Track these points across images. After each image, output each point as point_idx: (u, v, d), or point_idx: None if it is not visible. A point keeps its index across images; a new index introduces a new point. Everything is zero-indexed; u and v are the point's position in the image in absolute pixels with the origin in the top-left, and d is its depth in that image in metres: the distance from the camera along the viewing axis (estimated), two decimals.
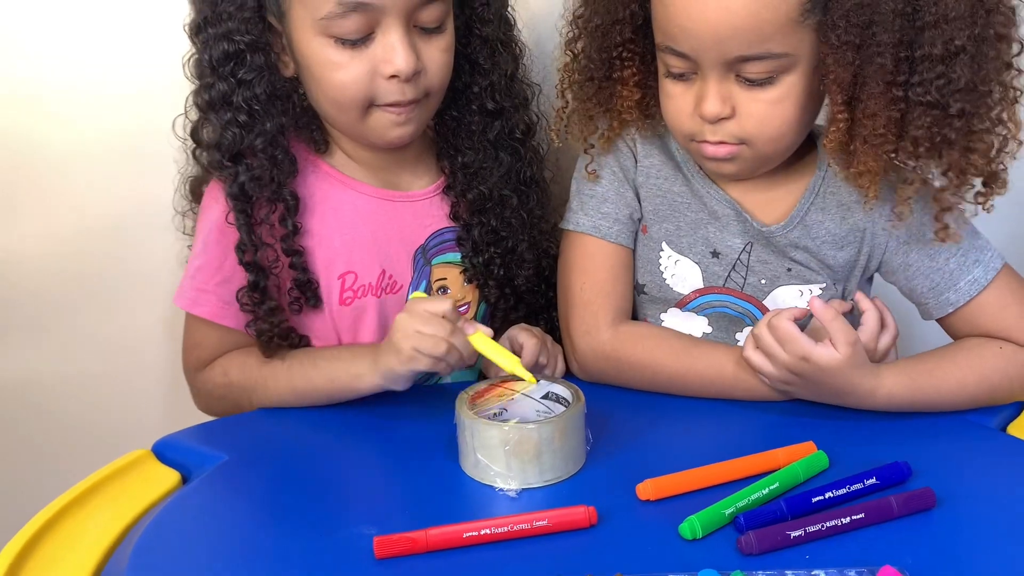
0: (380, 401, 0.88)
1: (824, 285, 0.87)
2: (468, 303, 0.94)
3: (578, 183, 0.93)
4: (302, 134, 0.88)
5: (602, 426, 0.77)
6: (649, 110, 0.87)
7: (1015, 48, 0.75)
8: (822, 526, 0.63)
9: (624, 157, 0.90)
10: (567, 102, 0.89)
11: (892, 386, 0.78)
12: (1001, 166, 0.77)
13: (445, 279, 0.93)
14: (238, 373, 0.88)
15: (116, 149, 0.94)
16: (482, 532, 0.64)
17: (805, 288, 0.87)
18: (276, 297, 0.86)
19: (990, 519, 0.65)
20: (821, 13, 0.73)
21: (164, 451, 0.79)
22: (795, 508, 0.65)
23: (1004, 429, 0.79)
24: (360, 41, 0.80)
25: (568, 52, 0.88)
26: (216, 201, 0.87)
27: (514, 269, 0.93)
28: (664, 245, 0.89)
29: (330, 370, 0.84)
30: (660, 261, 0.89)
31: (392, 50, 0.80)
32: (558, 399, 0.75)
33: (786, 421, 0.80)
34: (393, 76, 0.81)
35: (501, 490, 0.70)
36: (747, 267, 0.87)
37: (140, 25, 1.00)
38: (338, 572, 0.62)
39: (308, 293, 0.87)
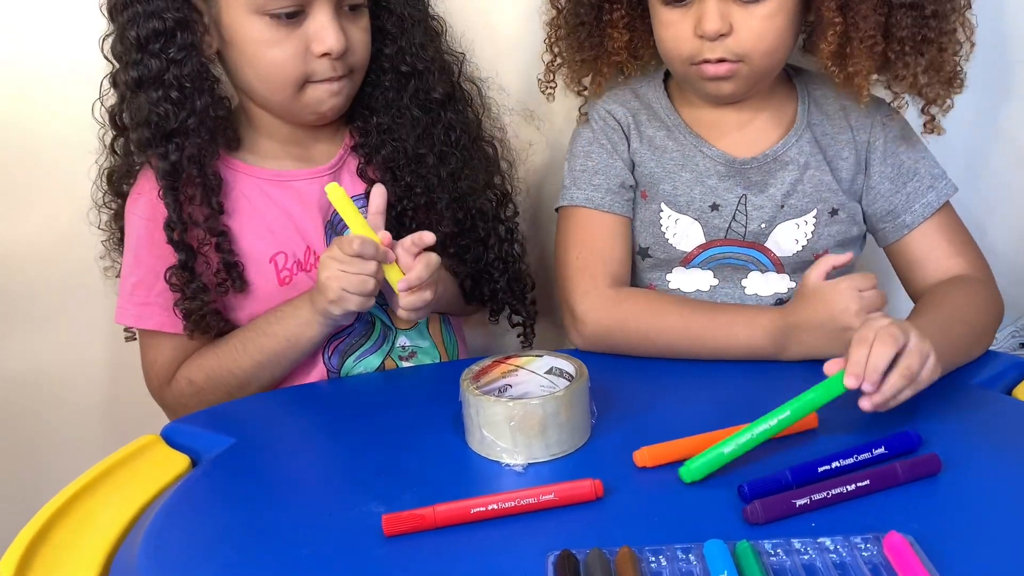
0: (386, 380, 0.89)
1: (815, 212, 0.91)
2: None
3: (570, 161, 0.96)
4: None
5: (606, 399, 0.78)
6: (637, 52, 0.94)
7: None
8: (827, 494, 0.63)
9: (612, 131, 0.94)
10: (555, 56, 0.96)
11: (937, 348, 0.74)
12: (959, 67, 0.87)
13: None
14: (201, 375, 0.89)
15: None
16: (489, 507, 0.64)
17: (800, 220, 0.91)
18: (203, 278, 0.87)
19: (996, 483, 0.65)
20: None
21: (173, 436, 0.80)
22: (801, 478, 0.65)
23: (1009, 393, 0.79)
24: (292, 17, 0.83)
25: (553, 7, 0.95)
26: (138, 214, 0.89)
27: (433, 224, 0.93)
28: (663, 206, 0.92)
29: (280, 330, 0.87)
30: (661, 222, 0.92)
31: (324, 29, 0.84)
32: (562, 374, 0.75)
33: (790, 392, 0.80)
34: (324, 54, 0.84)
35: (507, 465, 0.71)
36: (746, 215, 0.90)
37: None
38: (348, 551, 0.62)
39: (234, 274, 0.88)
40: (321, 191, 0.91)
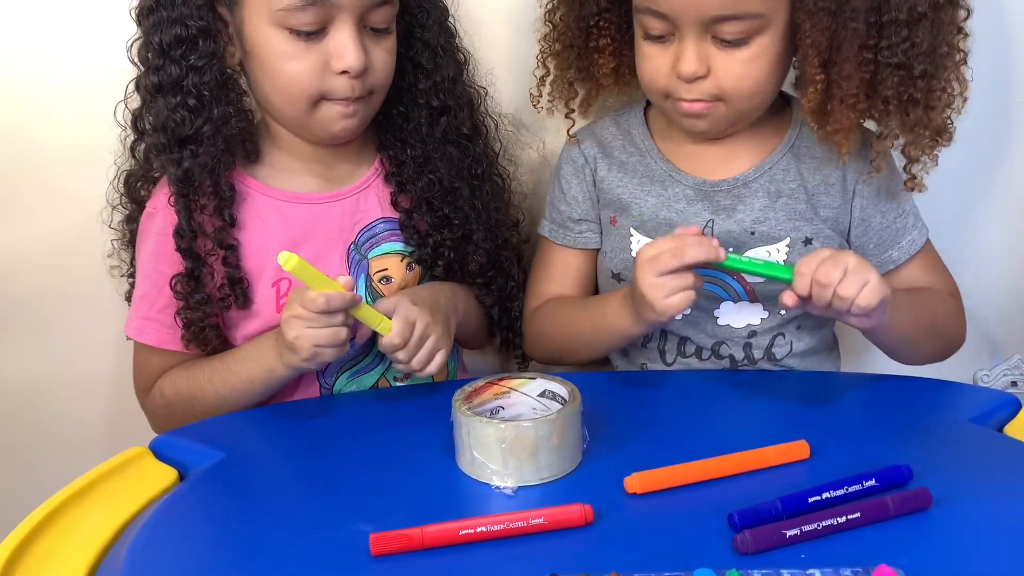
0: (377, 399, 0.88)
1: (788, 240, 0.89)
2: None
3: (550, 191, 0.99)
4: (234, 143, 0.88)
5: (599, 424, 0.77)
6: (625, 78, 0.94)
7: (962, 14, 0.83)
8: (818, 525, 0.63)
9: (578, 168, 0.96)
10: (548, 70, 0.96)
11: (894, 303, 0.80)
12: (950, 121, 0.85)
13: (386, 269, 0.94)
14: (171, 391, 0.90)
15: (114, 148, 0.95)
16: (478, 530, 0.64)
17: (772, 248, 0.89)
18: (207, 289, 0.87)
19: (986, 519, 0.65)
20: None
21: (161, 448, 0.79)
22: (791, 508, 0.65)
23: (1000, 430, 0.79)
24: (313, 35, 0.82)
25: (548, 23, 0.95)
26: (151, 229, 0.89)
27: (469, 253, 0.95)
28: (632, 231, 0.93)
29: (244, 372, 0.86)
30: (631, 247, 0.93)
31: (344, 47, 0.82)
32: (555, 397, 0.75)
33: (783, 421, 0.80)
34: (343, 72, 0.83)
35: (497, 488, 0.70)
36: (713, 237, 0.87)
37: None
38: (334, 569, 0.62)
39: (238, 291, 0.88)
40: (344, 213, 0.92)
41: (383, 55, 0.87)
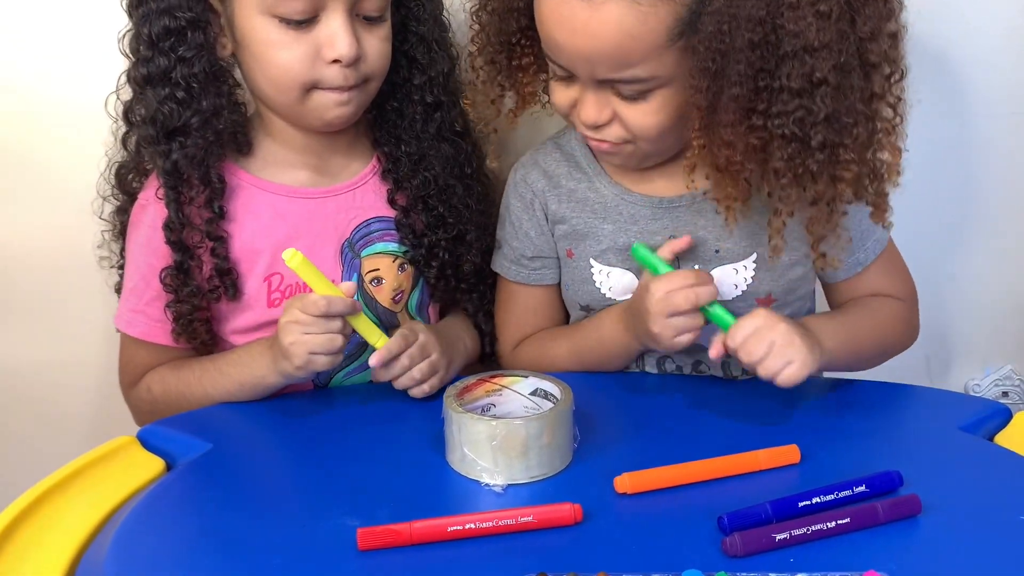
0: (368, 393, 0.88)
1: (755, 256, 0.85)
2: (403, 291, 0.94)
3: (499, 225, 0.96)
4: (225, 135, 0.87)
5: (590, 424, 0.77)
6: None
7: (896, 74, 0.73)
8: (807, 530, 0.63)
9: (526, 204, 0.92)
10: (478, 74, 0.90)
11: (831, 343, 0.80)
12: (884, 195, 0.76)
13: (378, 269, 0.93)
14: (159, 388, 0.89)
15: (105, 140, 0.95)
16: (466, 526, 0.63)
17: (739, 265, 0.86)
18: (197, 282, 0.86)
19: (975, 527, 0.65)
20: (690, 35, 0.71)
21: (149, 438, 0.79)
22: (781, 512, 0.65)
23: (991, 439, 0.79)
24: (304, 23, 0.81)
25: (474, 41, 0.89)
26: (142, 221, 0.88)
27: (462, 254, 0.94)
28: (592, 261, 0.89)
29: (235, 375, 0.85)
30: (594, 278, 0.90)
31: (335, 35, 0.81)
32: (547, 395, 0.75)
33: (774, 424, 0.80)
34: (335, 61, 0.82)
35: (487, 485, 0.70)
36: (678, 257, 0.86)
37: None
38: (320, 563, 0.61)
39: (227, 282, 0.87)
40: (339, 210, 0.91)
41: (377, 43, 0.85)
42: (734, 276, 0.86)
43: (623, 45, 0.72)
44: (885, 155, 0.75)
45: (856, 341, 0.86)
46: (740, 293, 0.86)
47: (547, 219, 0.92)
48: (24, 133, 1.05)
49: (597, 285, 0.89)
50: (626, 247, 0.87)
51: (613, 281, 0.89)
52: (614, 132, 0.80)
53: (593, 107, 0.78)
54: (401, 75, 0.91)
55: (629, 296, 0.88)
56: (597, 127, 0.79)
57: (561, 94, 0.81)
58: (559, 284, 0.94)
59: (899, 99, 0.74)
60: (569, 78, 0.79)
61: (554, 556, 0.62)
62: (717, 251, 0.85)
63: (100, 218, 0.96)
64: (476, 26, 0.88)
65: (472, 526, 0.63)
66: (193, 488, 0.72)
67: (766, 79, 0.70)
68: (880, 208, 0.78)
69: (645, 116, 0.77)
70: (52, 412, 1.15)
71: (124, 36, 0.86)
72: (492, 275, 0.99)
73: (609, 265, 0.88)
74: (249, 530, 0.65)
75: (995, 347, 1.17)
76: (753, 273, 0.85)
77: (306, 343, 0.79)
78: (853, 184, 0.74)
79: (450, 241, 0.94)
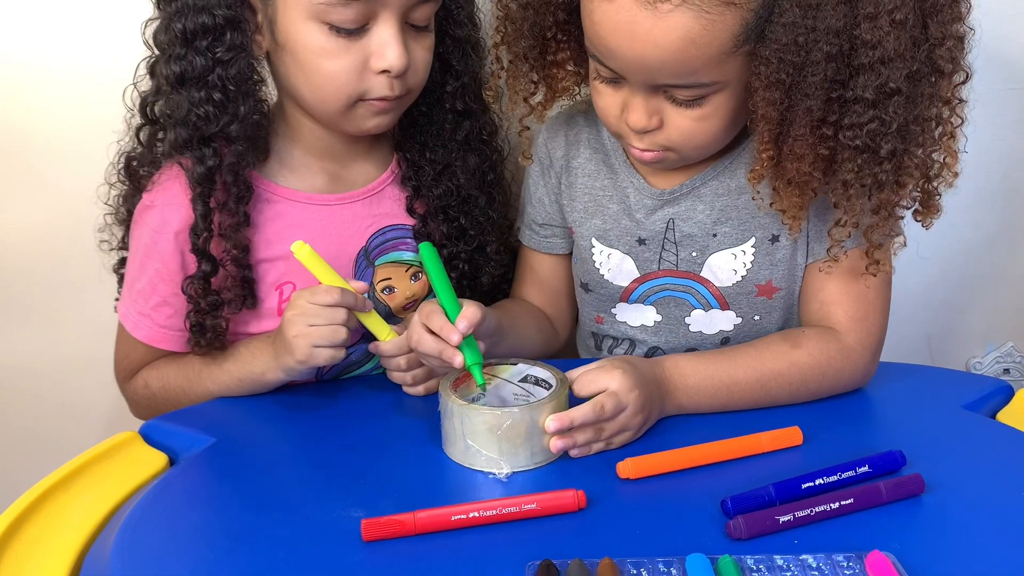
0: (369, 385, 0.88)
1: (753, 241, 0.84)
2: (416, 300, 0.92)
3: (523, 186, 0.96)
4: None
5: None
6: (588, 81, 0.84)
7: (959, 77, 0.72)
8: (811, 511, 0.63)
9: (546, 169, 0.92)
10: (503, 65, 0.87)
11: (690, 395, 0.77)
12: (937, 195, 0.76)
13: (390, 279, 0.91)
14: (157, 383, 0.88)
15: (105, 134, 0.94)
16: (470, 515, 0.63)
17: (737, 250, 0.85)
18: (218, 292, 0.84)
19: (979, 505, 0.65)
20: (755, 41, 0.70)
21: (151, 433, 0.79)
22: (785, 494, 0.65)
23: (993, 416, 0.79)
24: (354, 32, 0.78)
25: (499, 31, 0.85)
26: (147, 223, 0.84)
27: (481, 266, 0.93)
28: (594, 241, 0.89)
29: (235, 371, 0.84)
30: (594, 258, 0.90)
31: (387, 45, 0.78)
32: (537, 381, 0.75)
33: (777, 407, 0.80)
34: (384, 71, 0.79)
35: (491, 474, 0.70)
36: (675, 243, 0.86)
37: (131, 12, 0.99)
38: (325, 554, 0.61)
39: (247, 291, 0.85)
40: (355, 217, 0.89)
41: (423, 53, 0.82)
42: (732, 261, 0.85)
43: (687, 53, 0.69)
44: (942, 156, 0.74)
45: (761, 385, 0.79)
46: (740, 279, 0.85)
47: (560, 188, 0.91)
48: (23, 126, 1.04)
49: (596, 265, 0.89)
50: (628, 231, 0.87)
51: (612, 263, 0.89)
52: (659, 139, 0.77)
53: (643, 112, 0.75)
54: (434, 79, 0.87)
55: (627, 281, 0.88)
56: (644, 133, 0.77)
57: (608, 97, 0.78)
58: (569, 257, 0.94)
59: (961, 101, 0.73)
60: (616, 81, 0.76)
61: (558, 542, 0.62)
62: (715, 235, 0.85)
63: (105, 203, 0.92)
64: (502, 15, 0.85)
65: (476, 515, 0.63)
66: (196, 482, 0.72)
67: (839, 90, 0.70)
68: (929, 208, 0.77)
69: (696, 122, 0.75)
70: (55, 408, 1.16)
71: (147, 25, 0.82)
72: (509, 286, 0.98)
73: (609, 247, 0.88)
74: (253, 523, 0.65)
75: (996, 324, 1.17)
76: (752, 259, 0.85)
77: (310, 335, 0.77)
78: (916, 189, 0.74)
79: (470, 253, 0.92)
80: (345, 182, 0.90)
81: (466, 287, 0.93)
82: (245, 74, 0.80)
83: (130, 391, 0.91)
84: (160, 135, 0.86)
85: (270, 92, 0.87)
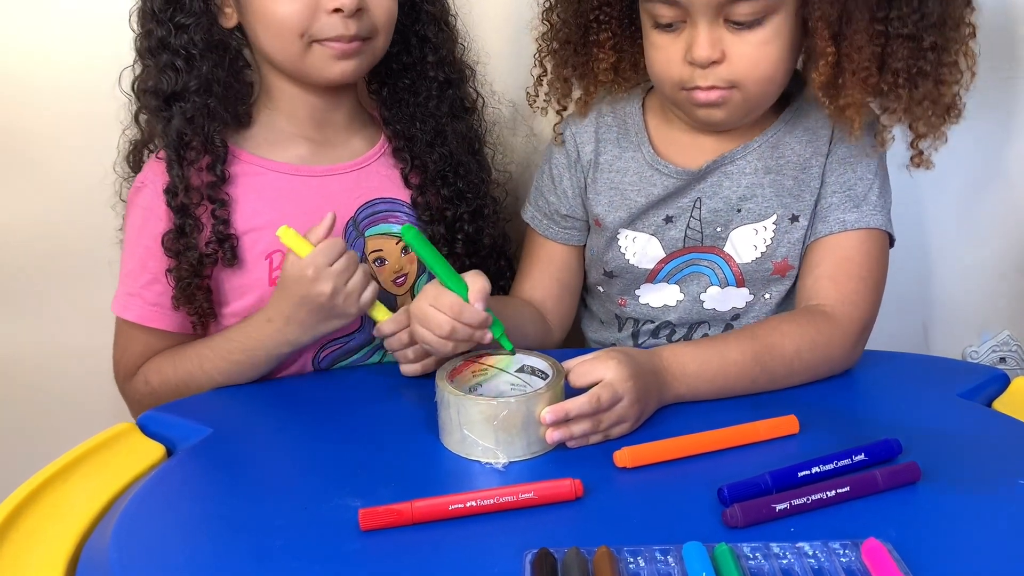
0: (367, 375, 0.88)
1: (775, 218, 0.88)
2: (406, 274, 0.94)
3: (538, 175, 0.97)
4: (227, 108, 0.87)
5: None
6: (624, 73, 0.91)
7: None
8: (807, 499, 0.63)
9: (573, 162, 0.94)
10: (545, 70, 0.93)
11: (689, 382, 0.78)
12: (958, 98, 0.83)
13: (381, 250, 0.93)
14: (157, 378, 0.89)
15: (99, 126, 0.94)
16: (468, 504, 0.63)
17: (759, 225, 0.88)
18: (198, 247, 0.86)
19: (974, 493, 0.65)
20: None
21: (149, 424, 0.79)
22: (781, 482, 0.65)
23: (989, 405, 0.80)
24: None
25: (545, 21, 0.92)
26: (137, 203, 0.87)
27: (482, 227, 0.96)
28: (620, 229, 0.92)
29: (243, 342, 0.85)
30: (620, 244, 0.92)
31: None
32: (534, 371, 0.75)
33: (772, 395, 0.80)
34: (336, 10, 0.82)
35: (488, 464, 0.70)
36: (700, 220, 0.89)
37: (127, 5, 0.99)
38: (322, 544, 0.61)
39: (227, 247, 0.86)
40: (342, 189, 0.91)
41: None
42: (753, 237, 0.88)
43: None
44: (968, 60, 0.83)
45: (758, 365, 0.80)
46: (759, 255, 0.89)
47: (585, 183, 0.93)
48: (20, 121, 1.04)
49: (622, 251, 0.92)
50: (655, 214, 0.90)
51: (638, 247, 0.91)
52: (723, 73, 0.81)
53: (707, 43, 0.79)
54: (414, 55, 0.93)
55: (653, 264, 0.91)
56: (709, 66, 0.80)
57: (666, 47, 0.82)
58: (584, 247, 0.96)
59: (975, 9, 0.82)
60: (672, 27, 0.81)
61: (555, 531, 0.62)
62: (739, 210, 0.88)
63: (121, 199, 0.94)
64: (546, 24, 0.91)
65: (473, 504, 0.64)
66: (194, 473, 0.72)
67: None
68: (933, 131, 0.84)
69: (757, 47, 0.80)
70: (53, 399, 1.15)
71: (133, 11, 0.87)
72: (509, 249, 1.00)
73: (636, 231, 0.91)
74: (251, 513, 0.65)
75: (992, 313, 1.17)
76: (772, 235, 0.88)
77: (354, 290, 0.80)
78: (951, 86, 0.82)
79: (471, 214, 0.95)
80: (331, 155, 0.92)
81: (468, 257, 0.95)
82: (207, 40, 0.84)
83: (131, 391, 0.91)
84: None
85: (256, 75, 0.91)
